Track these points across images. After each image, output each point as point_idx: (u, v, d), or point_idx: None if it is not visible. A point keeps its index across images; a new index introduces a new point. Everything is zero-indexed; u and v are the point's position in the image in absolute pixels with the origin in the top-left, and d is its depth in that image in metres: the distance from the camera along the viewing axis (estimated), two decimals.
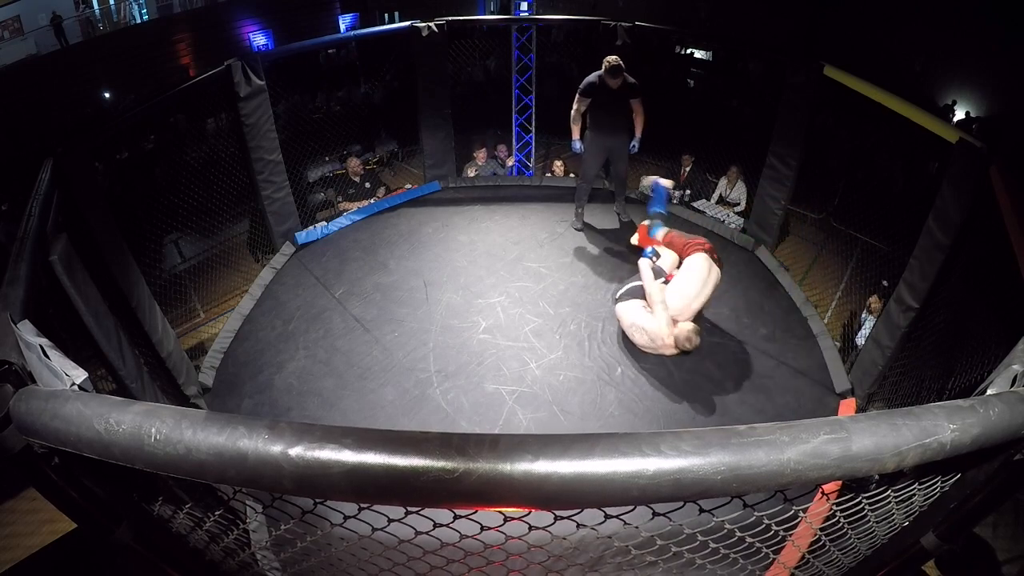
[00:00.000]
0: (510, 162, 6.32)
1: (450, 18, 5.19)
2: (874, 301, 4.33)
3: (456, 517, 0.87)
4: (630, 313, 3.73)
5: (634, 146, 4.79)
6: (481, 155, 6.18)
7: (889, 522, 1.20)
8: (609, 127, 4.72)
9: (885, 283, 4.38)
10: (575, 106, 4.65)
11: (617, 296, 3.94)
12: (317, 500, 0.81)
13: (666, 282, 3.78)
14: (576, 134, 4.77)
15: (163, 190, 4.73)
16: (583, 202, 5.16)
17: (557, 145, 7.36)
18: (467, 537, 0.95)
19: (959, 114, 9.83)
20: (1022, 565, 2.92)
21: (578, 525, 0.91)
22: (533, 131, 6.16)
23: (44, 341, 1.04)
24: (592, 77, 4.51)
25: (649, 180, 4.72)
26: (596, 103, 4.58)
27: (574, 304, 4.31)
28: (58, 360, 1.01)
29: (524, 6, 7.25)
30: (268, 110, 4.35)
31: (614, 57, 4.38)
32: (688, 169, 6.34)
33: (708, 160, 6.25)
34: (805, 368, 3.90)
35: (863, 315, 4.41)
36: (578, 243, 5.03)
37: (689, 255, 3.83)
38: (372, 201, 5.66)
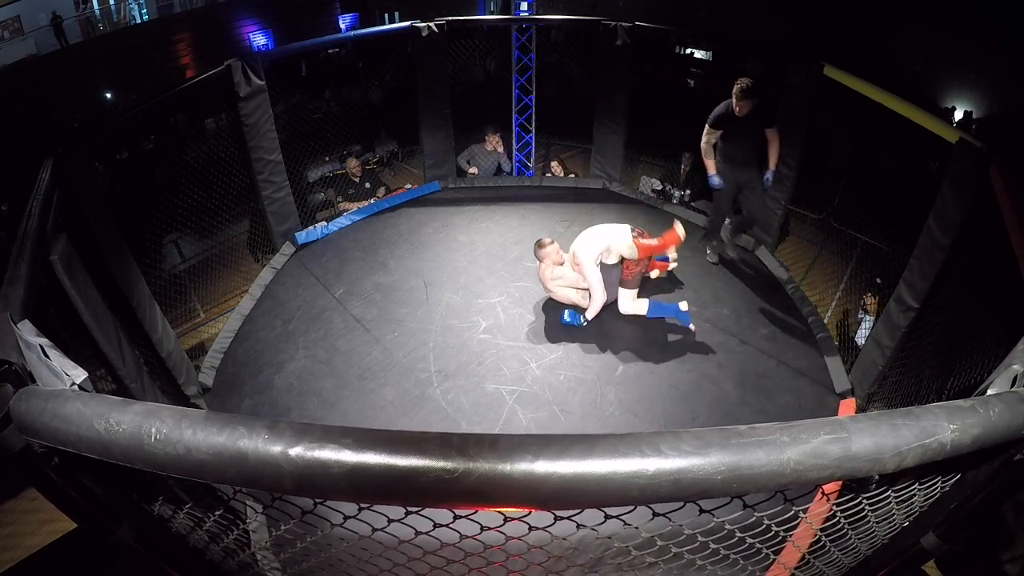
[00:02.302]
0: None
1: (450, 18, 5.19)
2: (869, 299, 4.33)
3: (456, 517, 0.87)
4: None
5: (767, 179, 4.34)
6: (493, 139, 6.10)
7: (889, 522, 1.20)
8: (740, 160, 4.32)
9: (879, 280, 4.38)
10: (704, 138, 4.31)
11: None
12: (317, 500, 0.81)
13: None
14: (712, 168, 4.40)
15: (163, 190, 4.73)
16: (715, 236, 4.85)
17: (557, 145, 7.36)
18: (467, 537, 0.96)
19: (959, 114, 9.83)
20: (1022, 565, 2.92)
21: (578, 525, 0.91)
22: (533, 131, 6.16)
23: (44, 341, 1.04)
24: (720, 108, 4.18)
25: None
26: (727, 134, 4.25)
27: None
28: (58, 360, 1.01)
29: (524, 6, 7.25)
30: (268, 110, 4.35)
31: (746, 80, 3.95)
32: (688, 168, 6.33)
33: None
34: (805, 368, 3.90)
35: (860, 314, 4.40)
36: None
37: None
38: (372, 201, 5.66)
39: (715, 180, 4.43)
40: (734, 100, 4.02)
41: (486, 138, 6.10)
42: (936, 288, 3.16)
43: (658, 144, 6.65)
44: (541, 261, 4.12)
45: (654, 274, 4.48)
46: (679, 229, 3.96)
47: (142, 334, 3.19)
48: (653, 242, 3.94)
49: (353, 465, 0.70)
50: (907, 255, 3.38)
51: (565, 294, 4.13)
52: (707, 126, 4.26)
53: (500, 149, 6.18)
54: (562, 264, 4.12)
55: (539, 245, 4.10)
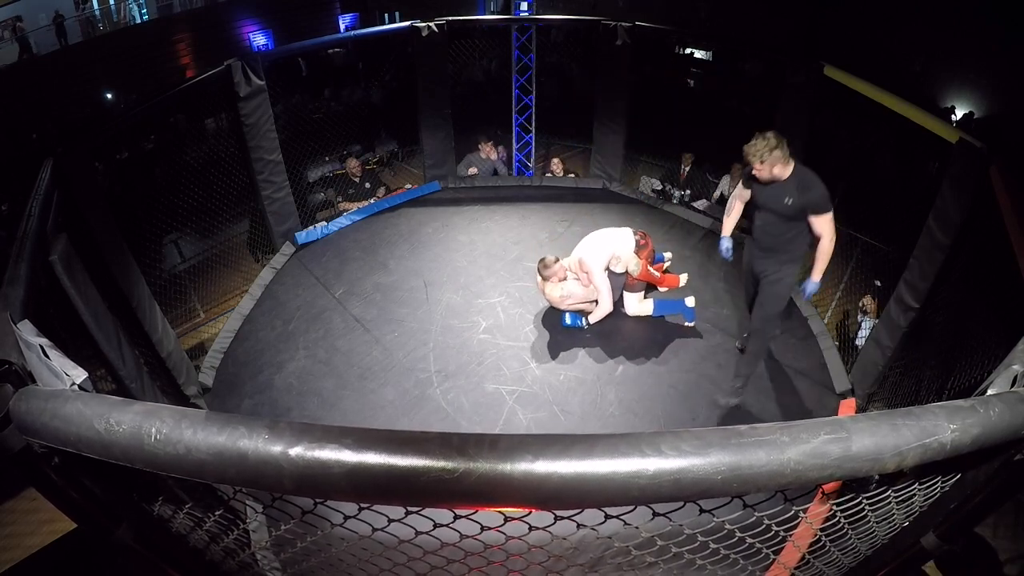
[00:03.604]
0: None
1: (450, 18, 5.19)
2: (867, 301, 4.33)
3: (456, 517, 0.87)
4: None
5: (806, 288, 3.16)
6: (487, 148, 6.12)
7: (889, 522, 1.20)
8: (759, 242, 3.21)
9: (878, 283, 4.38)
10: (734, 191, 3.39)
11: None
12: (317, 500, 0.81)
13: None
14: (725, 229, 3.43)
15: (163, 190, 4.73)
16: (748, 372, 3.55)
17: (557, 145, 7.36)
18: (467, 537, 0.95)
19: (959, 114, 9.83)
20: (1022, 565, 2.92)
21: (578, 525, 0.91)
22: (533, 131, 6.16)
23: (44, 341, 1.04)
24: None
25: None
26: (754, 201, 3.16)
27: None
28: (58, 360, 1.01)
29: (524, 6, 7.25)
30: (268, 110, 4.36)
31: (764, 135, 2.87)
32: (688, 168, 6.34)
33: (708, 160, 6.24)
34: (805, 368, 3.90)
35: (859, 316, 4.40)
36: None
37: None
38: (372, 201, 5.66)
39: (723, 244, 3.42)
40: None
41: (479, 147, 6.12)
42: (936, 288, 3.16)
43: (658, 144, 6.66)
44: (547, 280, 3.86)
45: (663, 290, 4.44)
46: (683, 280, 4.35)
47: (142, 334, 3.19)
48: (656, 274, 4.13)
49: (353, 465, 0.70)
50: (907, 255, 3.38)
51: (573, 306, 4.02)
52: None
53: (494, 157, 6.19)
54: (566, 279, 3.92)
55: (544, 265, 3.78)
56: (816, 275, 3.12)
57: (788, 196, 2.95)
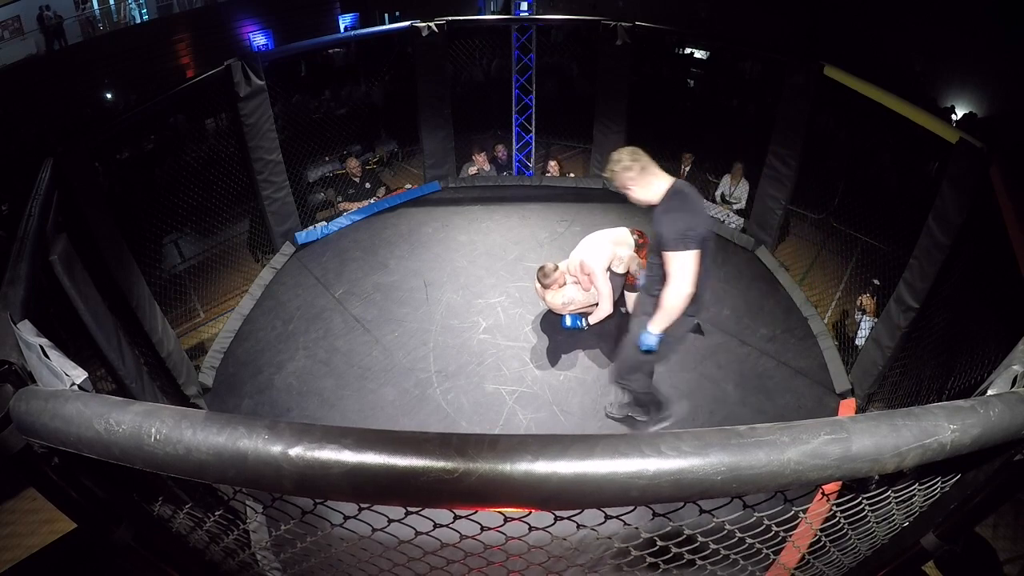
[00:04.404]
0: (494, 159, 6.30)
1: (450, 18, 5.20)
2: (865, 299, 4.33)
3: (456, 517, 0.87)
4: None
5: (639, 337, 2.63)
6: (480, 158, 6.16)
7: (889, 522, 1.20)
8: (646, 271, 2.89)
9: (876, 282, 4.38)
10: None
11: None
12: (317, 500, 0.81)
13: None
14: None
15: (163, 190, 4.73)
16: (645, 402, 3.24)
17: (557, 145, 7.36)
18: (467, 537, 0.95)
19: (959, 114, 9.84)
20: (1022, 565, 2.92)
21: (578, 526, 0.91)
22: (533, 131, 6.16)
23: (44, 341, 1.04)
24: None
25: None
26: None
27: None
28: (58, 360, 1.01)
29: (524, 6, 7.26)
30: (268, 110, 4.35)
31: (625, 150, 2.59)
32: (688, 168, 6.33)
33: (708, 160, 6.24)
34: (805, 368, 3.90)
35: (858, 315, 4.40)
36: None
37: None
38: (372, 201, 5.66)
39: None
40: None
41: (473, 157, 6.13)
42: (936, 288, 3.16)
43: (658, 144, 6.67)
44: (548, 288, 3.77)
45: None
46: None
47: (142, 334, 3.19)
48: None
49: (353, 465, 0.70)
50: (907, 255, 3.38)
51: (574, 310, 3.95)
52: None
53: (487, 168, 6.19)
54: (565, 284, 3.85)
55: (544, 274, 3.70)
56: (652, 325, 2.54)
57: (653, 224, 2.53)
